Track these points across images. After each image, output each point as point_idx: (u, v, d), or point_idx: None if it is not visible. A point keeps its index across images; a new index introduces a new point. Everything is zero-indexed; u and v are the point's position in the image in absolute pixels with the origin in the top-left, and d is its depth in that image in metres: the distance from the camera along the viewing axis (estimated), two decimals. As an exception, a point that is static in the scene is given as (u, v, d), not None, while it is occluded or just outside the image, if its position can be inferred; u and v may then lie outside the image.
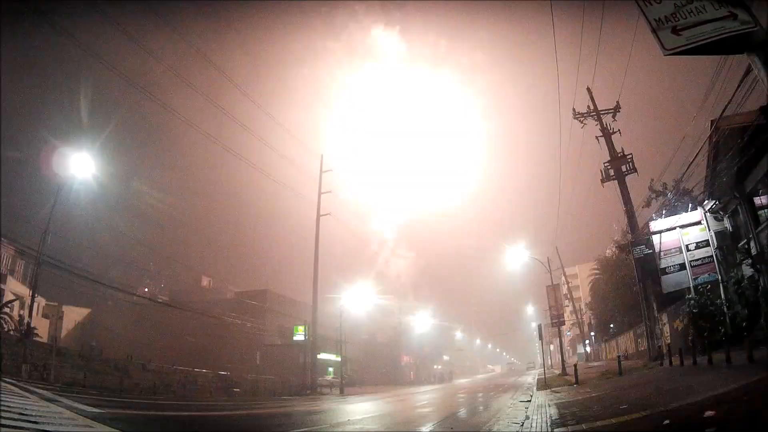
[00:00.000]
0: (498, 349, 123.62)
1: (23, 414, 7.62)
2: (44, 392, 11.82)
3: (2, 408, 7.39)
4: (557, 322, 30.28)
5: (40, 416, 7.96)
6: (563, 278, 49.25)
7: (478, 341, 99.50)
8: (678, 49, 5.71)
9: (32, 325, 21.24)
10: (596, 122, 22.84)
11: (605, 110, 22.87)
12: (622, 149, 21.85)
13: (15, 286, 33.41)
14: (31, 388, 12.02)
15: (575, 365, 21.95)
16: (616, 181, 21.62)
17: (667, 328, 21.73)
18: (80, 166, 19.32)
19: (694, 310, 17.46)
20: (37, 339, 24.22)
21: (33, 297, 16.56)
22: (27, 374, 15.40)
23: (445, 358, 76.20)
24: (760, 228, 14.83)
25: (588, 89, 23.55)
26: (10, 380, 12.46)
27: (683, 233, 19.06)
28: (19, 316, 28.45)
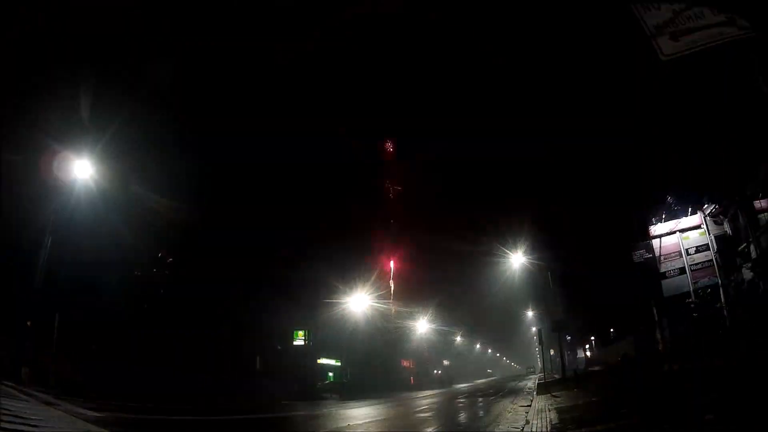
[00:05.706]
0: (498, 354, 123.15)
1: (23, 417, 7.61)
2: (44, 395, 11.79)
3: (2, 411, 7.38)
4: (557, 326, 30.20)
5: (40, 420, 7.96)
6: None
7: (478, 346, 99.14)
8: (676, 55, 5.74)
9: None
10: None
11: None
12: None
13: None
14: (31, 392, 11.99)
15: (575, 369, 21.94)
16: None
17: (667, 332, 21.72)
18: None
19: (694, 314, 17.49)
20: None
21: (35, 300, 16.57)
22: (26, 377, 15.31)
23: (445, 362, 75.90)
24: (759, 231, 14.86)
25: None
26: (9, 383, 12.41)
27: (683, 237, 19.11)
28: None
